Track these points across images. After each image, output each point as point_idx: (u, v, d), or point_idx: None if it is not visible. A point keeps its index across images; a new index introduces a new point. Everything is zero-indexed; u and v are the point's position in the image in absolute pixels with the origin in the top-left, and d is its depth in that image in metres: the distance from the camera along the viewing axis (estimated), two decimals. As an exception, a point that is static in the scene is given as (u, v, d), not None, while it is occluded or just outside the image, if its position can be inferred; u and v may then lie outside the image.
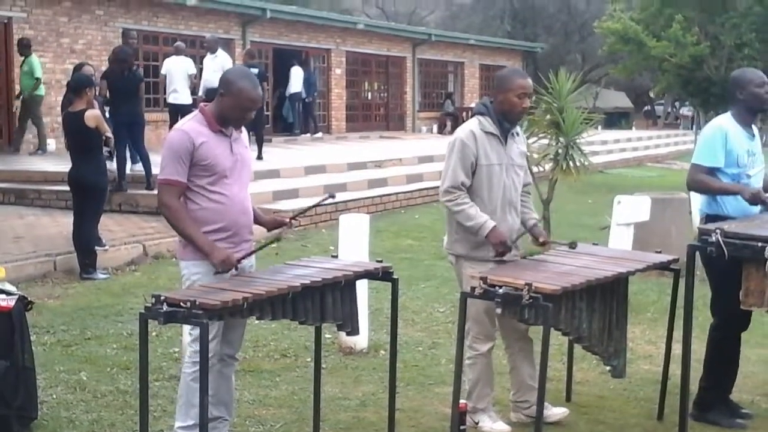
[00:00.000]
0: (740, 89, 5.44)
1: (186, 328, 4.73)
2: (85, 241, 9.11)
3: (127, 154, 12.33)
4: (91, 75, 10.03)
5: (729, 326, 5.38)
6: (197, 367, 4.49)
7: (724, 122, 5.46)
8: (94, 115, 8.89)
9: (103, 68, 17.46)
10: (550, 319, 4.47)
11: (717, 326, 5.45)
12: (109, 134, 9.16)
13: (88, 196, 9.13)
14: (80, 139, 8.97)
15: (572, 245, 5.26)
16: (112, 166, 10.53)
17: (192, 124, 4.57)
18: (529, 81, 5.23)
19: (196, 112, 4.66)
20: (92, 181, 9.06)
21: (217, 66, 15.70)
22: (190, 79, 15.20)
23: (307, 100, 23.45)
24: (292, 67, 23.00)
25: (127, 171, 12.26)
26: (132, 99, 11.99)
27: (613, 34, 21.71)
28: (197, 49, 19.07)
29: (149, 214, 11.32)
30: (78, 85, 9.14)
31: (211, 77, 15.77)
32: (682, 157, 27.06)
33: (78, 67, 10.50)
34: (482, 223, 5.04)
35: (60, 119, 16.90)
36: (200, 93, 16.14)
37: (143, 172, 12.10)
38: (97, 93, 12.10)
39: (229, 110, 4.57)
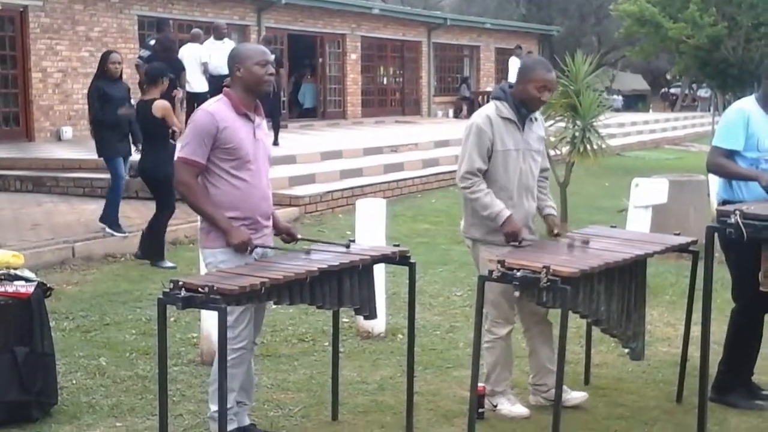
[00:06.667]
0: None
1: None
2: (155, 231, 9.12)
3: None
4: (119, 62, 9.78)
5: (751, 310, 5.36)
6: (234, 354, 4.46)
7: (747, 105, 5.39)
8: (162, 106, 8.80)
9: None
10: (568, 301, 4.46)
11: (739, 310, 5.42)
12: (176, 128, 8.89)
13: (154, 186, 9.15)
14: (146, 128, 8.94)
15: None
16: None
17: (218, 106, 4.58)
18: (553, 75, 5.14)
19: (221, 96, 4.67)
20: (152, 172, 9.01)
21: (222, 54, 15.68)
22: (202, 66, 15.19)
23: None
24: (511, 58, 24.80)
25: None
26: (172, 86, 12.15)
27: (630, 16, 21.53)
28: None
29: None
30: (154, 74, 9.07)
31: (216, 64, 15.76)
32: (700, 139, 26.91)
33: (105, 55, 10.14)
34: (498, 212, 5.02)
35: (77, 107, 17.05)
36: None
37: None
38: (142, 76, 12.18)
39: (247, 84, 4.58)
